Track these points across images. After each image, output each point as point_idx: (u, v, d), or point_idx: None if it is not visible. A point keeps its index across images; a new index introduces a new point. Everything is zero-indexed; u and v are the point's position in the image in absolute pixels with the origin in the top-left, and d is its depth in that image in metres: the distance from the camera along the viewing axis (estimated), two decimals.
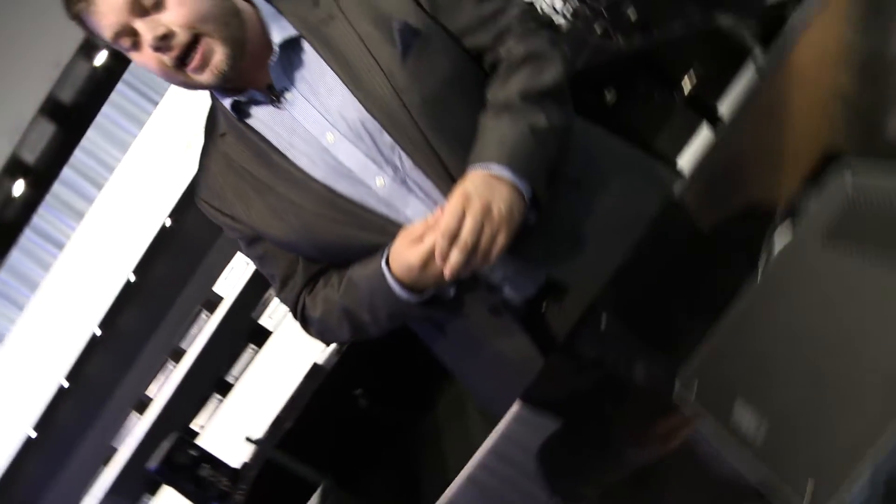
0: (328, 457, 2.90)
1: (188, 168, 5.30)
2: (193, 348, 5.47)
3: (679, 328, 0.87)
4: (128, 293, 5.67)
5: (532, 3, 1.29)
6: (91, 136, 5.45)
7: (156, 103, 5.63)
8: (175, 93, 5.04)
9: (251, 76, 1.22)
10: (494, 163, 1.12)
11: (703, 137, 2.89)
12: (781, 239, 0.62)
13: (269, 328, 5.35)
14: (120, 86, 5.27)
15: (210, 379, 5.58)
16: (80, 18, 1.17)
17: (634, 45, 2.27)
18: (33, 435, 5.91)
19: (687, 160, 3.20)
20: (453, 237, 1.08)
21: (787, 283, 0.58)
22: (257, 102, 1.25)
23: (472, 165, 1.13)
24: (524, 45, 1.21)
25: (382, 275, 1.17)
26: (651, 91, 2.16)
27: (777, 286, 0.59)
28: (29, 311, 5.72)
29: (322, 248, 1.27)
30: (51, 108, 5.05)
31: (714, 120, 2.18)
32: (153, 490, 5.21)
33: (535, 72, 1.19)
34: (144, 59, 1.16)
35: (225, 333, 5.51)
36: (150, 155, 5.37)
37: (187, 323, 5.47)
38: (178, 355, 5.56)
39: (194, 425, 5.57)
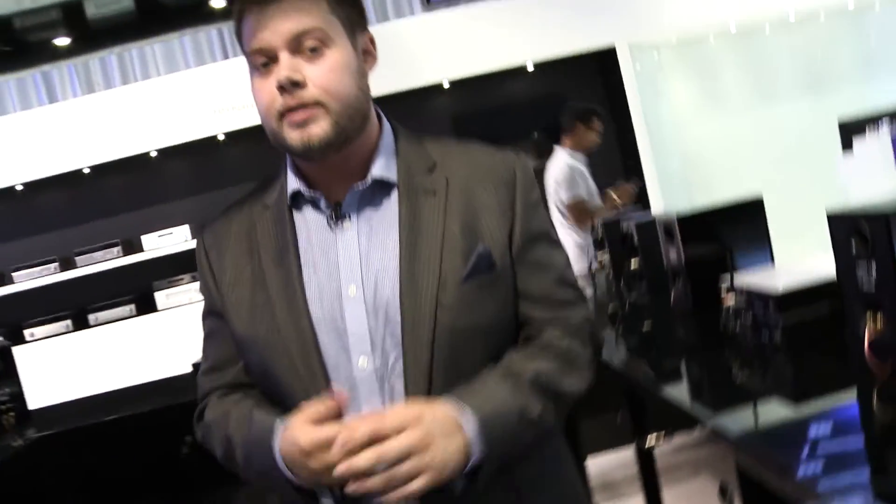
0: (111, 472, 2.71)
1: (206, 122, 5.23)
2: (83, 269, 5.25)
3: None
4: (73, 180, 5.48)
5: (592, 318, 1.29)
6: (155, 45, 5.42)
7: (227, 57, 5.64)
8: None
9: (330, 184, 1.20)
10: (470, 412, 1.07)
11: (626, 455, 2.90)
12: None
13: (158, 306, 5.17)
14: (213, 27, 5.28)
15: (75, 304, 5.34)
16: (240, 16, 1.16)
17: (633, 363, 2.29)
18: None
19: (598, 464, 3.23)
20: (377, 439, 1.01)
21: None
22: (317, 207, 1.22)
23: (449, 399, 1.08)
24: (568, 342, 1.20)
25: (271, 436, 1.11)
26: (618, 410, 2.17)
27: None
28: None
29: (263, 371, 1.20)
30: None
31: (646, 463, 2.20)
32: None
33: (563, 371, 1.17)
34: (262, 87, 1.15)
35: (119, 279, 5.31)
36: (182, 91, 5.30)
37: (97, 246, 5.26)
38: (66, 263, 5.32)
39: (28, 332, 5.27)
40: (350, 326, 1.15)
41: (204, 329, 1.31)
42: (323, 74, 1.13)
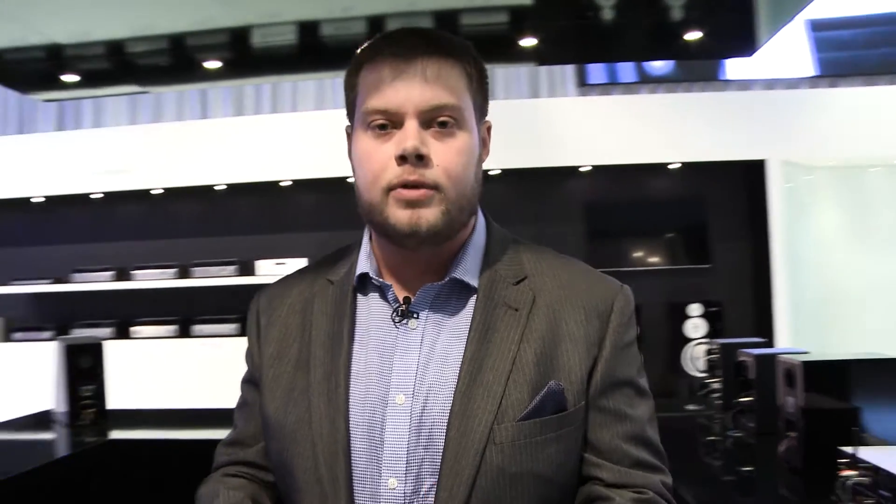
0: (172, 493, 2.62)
1: (342, 162, 5.27)
2: (197, 280, 5.35)
3: None
4: (205, 194, 5.65)
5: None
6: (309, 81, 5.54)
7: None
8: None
9: (404, 275, 1.09)
10: None
11: None
12: None
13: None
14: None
15: (182, 312, 5.46)
16: (365, 61, 1.05)
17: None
18: None
19: None
20: None
21: None
22: (384, 297, 1.09)
23: None
24: None
25: None
26: None
27: None
28: None
29: (281, 461, 1.08)
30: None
31: None
32: None
33: None
34: (373, 152, 1.04)
35: (230, 297, 5.40)
36: (326, 128, 5.39)
37: (215, 261, 5.37)
38: (183, 272, 5.46)
39: (134, 329, 5.43)
40: (388, 439, 1.01)
41: (241, 394, 1.21)
42: (449, 156, 1.02)
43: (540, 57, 4.82)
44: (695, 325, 5.13)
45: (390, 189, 1.02)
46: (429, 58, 1.02)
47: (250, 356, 1.17)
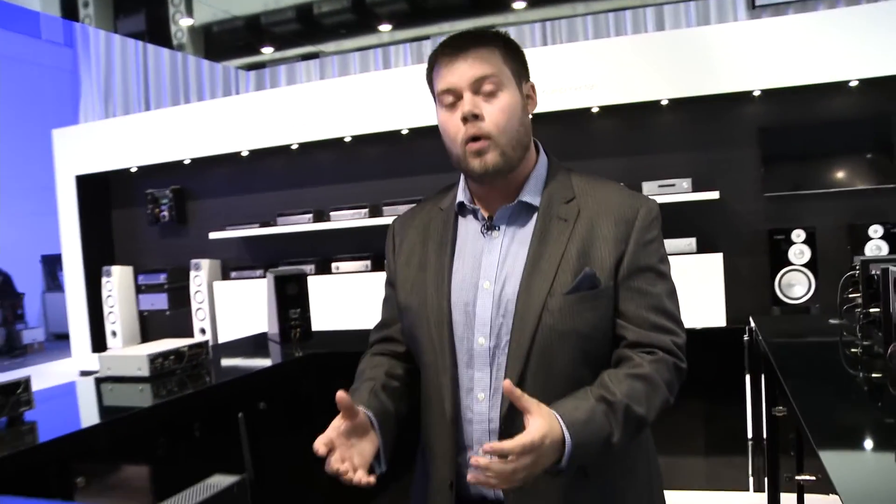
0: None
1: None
2: (386, 218, 5.82)
3: None
4: (391, 139, 6.08)
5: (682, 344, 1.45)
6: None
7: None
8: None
9: (488, 201, 1.51)
10: (570, 437, 1.28)
11: None
12: None
13: None
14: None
15: (375, 249, 5.97)
16: (432, 65, 1.50)
17: None
18: None
19: None
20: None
21: None
22: (476, 217, 1.53)
23: (558, 413, 1.29)
24: (652, 367, 1.40)
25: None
26: None
27: None
28: None
29: (410, 333, 1.56)
30: None
31: None
32: None
33: (644, 395, 1.38)
34: (448, 119, 1.47)
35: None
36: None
37: (336, 202, 5.81)
38: (374, 211, 5.94)
39: (335, 265, 6.01)
40: (478, 312, 1.45)
41: (384, 293, 1.68)
42: (496, 112, 1.42)
43: None
44: (877, 247, 5.01)
45: (465, 143, 1.43)
46: (469, 48, 1.42)
47: (388, 265, 1.65)
